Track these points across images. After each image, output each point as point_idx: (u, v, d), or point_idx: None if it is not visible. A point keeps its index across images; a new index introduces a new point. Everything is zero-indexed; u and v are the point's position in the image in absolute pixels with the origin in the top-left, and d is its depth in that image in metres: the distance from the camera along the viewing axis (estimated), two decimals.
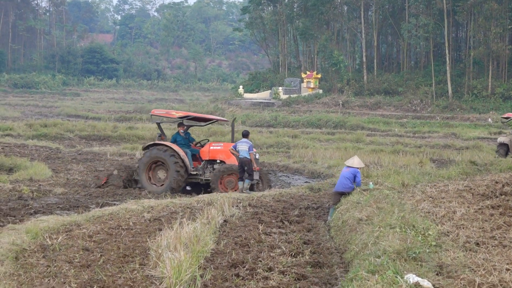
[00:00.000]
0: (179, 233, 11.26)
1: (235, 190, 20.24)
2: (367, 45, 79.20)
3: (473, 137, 46.78)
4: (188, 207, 16.30)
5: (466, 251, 10.34)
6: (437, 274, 9.07)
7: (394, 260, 9.39)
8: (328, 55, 75.21)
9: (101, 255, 11.13)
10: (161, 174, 21.20)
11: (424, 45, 72.35)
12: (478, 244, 10.81)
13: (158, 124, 22.84)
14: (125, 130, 43.04)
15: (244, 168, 20.27)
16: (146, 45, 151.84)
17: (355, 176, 16.41)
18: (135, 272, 10.21)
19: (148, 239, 12.08)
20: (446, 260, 9.71)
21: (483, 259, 9.72)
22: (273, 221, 15.00)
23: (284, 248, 11.99)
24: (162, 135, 22.21)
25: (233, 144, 20.94)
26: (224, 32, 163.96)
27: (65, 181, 22.20)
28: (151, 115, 22.85)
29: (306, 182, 24.90)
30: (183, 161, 20.99)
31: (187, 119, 22.79)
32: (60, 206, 17.04)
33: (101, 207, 16.57)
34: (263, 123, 56.62)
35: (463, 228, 11.84)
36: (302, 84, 74.82)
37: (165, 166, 21.03)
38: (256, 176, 21.09)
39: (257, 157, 21.43)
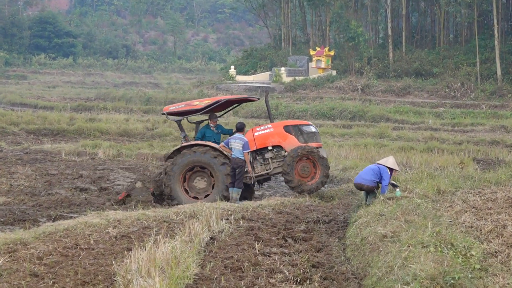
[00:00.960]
0: (154, 254, 11.26)
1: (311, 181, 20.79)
2: (394, 14, 79.06)
3: None
4: (164, 221, 16.30)
5: None
6: None
7: (427, 287, 9.40)
8: (344, 27, 75.05)
9: (53, 282, 11.13)
10: (200, 183, 20.97)
11: (466, 13, 72.29)
12: None
13: (178, 122, 22.44)
14: (85, 122, 43.02)
15: (235, 171, 20.26)
16: (112, 15, 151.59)
17: (381, 175, 16.53)
18: None
19: (113, 262, 12.08)
20: (494, 287, 9.72)
21: None
22: (273, 238, 15.01)
23: (287, 273, 12.00)
24: (186, 136, 21.84)
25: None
26: None
27: (8, 188, 22.19)
28: (165, 114, 21.98)
29: None
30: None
31: (216, 106, 22.15)
32: (2, 219, 17.02)
33: (53, 221, 16.56)
34: (261, 113, 56.49)
35: None
36: (310, 63, 74.79)
37: (204, 172, 20.85)
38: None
39: (325, 155, 21.44)
